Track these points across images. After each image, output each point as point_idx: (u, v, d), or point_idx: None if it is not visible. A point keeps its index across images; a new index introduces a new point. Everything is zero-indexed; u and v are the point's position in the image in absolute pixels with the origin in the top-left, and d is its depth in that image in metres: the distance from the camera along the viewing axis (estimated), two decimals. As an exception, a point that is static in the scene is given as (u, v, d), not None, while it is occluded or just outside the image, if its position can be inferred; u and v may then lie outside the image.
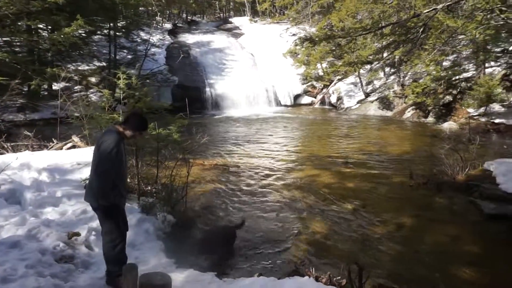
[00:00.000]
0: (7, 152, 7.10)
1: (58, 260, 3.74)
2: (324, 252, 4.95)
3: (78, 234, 4.17)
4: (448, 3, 5.50)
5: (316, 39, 6.89)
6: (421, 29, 6.55)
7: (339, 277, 3.84)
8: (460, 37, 13.71)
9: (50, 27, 14.48)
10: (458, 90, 14.67)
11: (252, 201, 6.81)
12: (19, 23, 11.81)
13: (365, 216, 6.08)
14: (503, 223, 5.66)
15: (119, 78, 5.75)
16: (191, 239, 5.13)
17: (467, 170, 7.35)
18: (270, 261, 4.68)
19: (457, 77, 14.65)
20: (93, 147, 6.96)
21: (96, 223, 4.39)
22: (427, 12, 5.93)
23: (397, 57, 16.53)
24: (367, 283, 3.72)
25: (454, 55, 15.24)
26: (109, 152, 3.07)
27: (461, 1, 6.64)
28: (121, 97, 5.75)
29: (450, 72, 14.20)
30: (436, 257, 4.84)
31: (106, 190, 3.16)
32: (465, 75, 14.75)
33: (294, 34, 23.26)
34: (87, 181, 3.44)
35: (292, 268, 4.06)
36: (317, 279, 3.69)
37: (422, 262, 4.73)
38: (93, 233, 4.23)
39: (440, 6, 5.55)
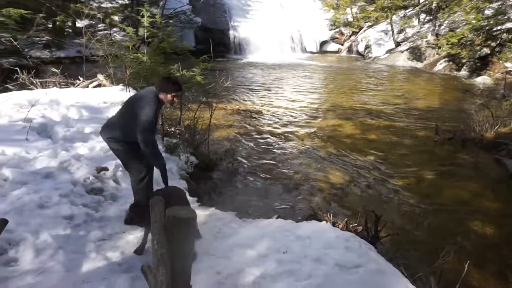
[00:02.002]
0: (36, 88, 7.28)
1: (89, 191, 3.96)
2: (342, 200, 5.05)
3: (106, 169, 4.36)
4: None
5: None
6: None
7: (355, 224, 3.94)
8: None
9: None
10: (498, 42, 13.70)
11: (273, 147, 6.88)
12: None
13: (385, 168, 6.07)
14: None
15: (143, 16, 5.63)
16: (213, 180, 5.31)
17: (496, 127, 7.09)
18: (288, 205, 4.82)
19: (499, 28, 13.58)
20: (118, 86, 7.06)
21: (123, 160, 4.58)
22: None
23: (434, 3, 15.35)
24: (382, 231, 3.81)
25: (499, 2, 14.00)
26: (149, 123, 3.14)
27: None
28: (145, 36, 5.66)
29: (492, 22, 13.13)
30: (454, 211, 4.86)
31: (157, 151, 3.27)
32: (508, 25, 13.64)
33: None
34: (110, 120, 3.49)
35: (310, 213, 4.18)
36: (333, 224, 3.80)
37: (439, 215, 4.76)
38: (120, 169, 4.40)
39: None
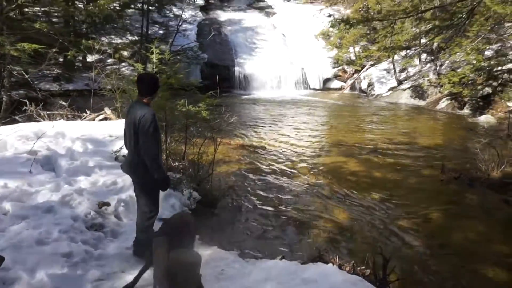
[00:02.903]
0: (44, 120, 7.37)
1: (89, 227, 3.88)
2: (348, 240, 4.91)
3: (108, 204, 4.29)
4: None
5: (353, 21, 6.59)
6: (468, 14, 6.15)
7: (363, 267, 3.80)
8: (507, 25, 12.88)
9: (86, -1, 14.69)
10: (499, 82, 13.89)
11: (277, 183, 6.80)
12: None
13: (391, 207, 5.95)
14: (539, 225, 5.41)
15: (152, 53, 5.77)
16: (215, 217, 5.20)
17: (503, 167, 7.01)
18: (293, 245, 4.69)
19: (499, 68, 13.83)
20: (123, 120, 7.14)
21: (125, 195, 4.53)
22: (476, -4, 5.55)
23: (435, 44, 15.74)
24: (391, 276, 3.66)
25: (498, 44, 14.35)
26: (152, 131, 3.14)
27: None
28: (153, 72, 5.78)
29: (493, 62, 13.39)
30: (463, 254, 4.70)
31: (159, 164, 3.27)
32: (509, 66, 13.90)
33: (330, 15, 22.52)
34: (126, 154, 3.51)
35: (315, 254, 4.04)
36: (340, 267, 3.66)
37: (448, 259, 4.60)
38: (122, 204, 4.35)
39: (491, -10, 5.16)
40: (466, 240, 5.10)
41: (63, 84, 14.97)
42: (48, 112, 7.72)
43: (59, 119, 7.39)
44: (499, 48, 14.22)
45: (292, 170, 7.50)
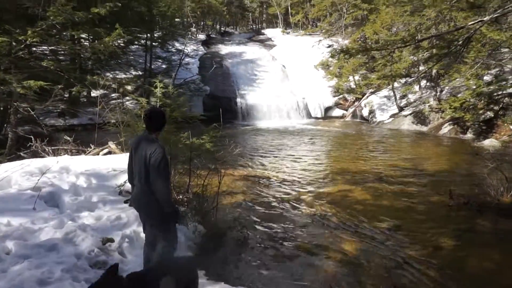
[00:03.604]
0: (48, 155, 7.40)
1: (93, 265, 3.78)
2: (358, 272, 4.74)
3: (112, 240, 4.21)
4: (496, 15, 5.23)
5: (352, 51, 6.73)
6: (464, 42, 6.27)
7: (376, 301, 3.65)
8: (504, 50, 13.11)
9: (91, 37, 15.19)
10: (501, 105, 13.97)
11: (283, 214, 6.69)
12: (64, 33, 12.44)
13: (400, 236, 5.80)
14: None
15: (156, 87, 5.87)
16: (221, 251, 5.08)
17: (512, 191, 6.90)
18: (302, 280, 4.53)
19: (500, 92, 13.95)
20: (127, 154, 7.18)
21: (129, 230, 4.46)
22: (472, 24, 5.68)
23: (434, 70, 16.01)
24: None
25: (497, 69, 14.56)
26: (163, 166, 3.17)
27: (508, 14, 6.30)
28: (158, 105, 5.85)
29: (493, 87, 13.53)
30: (478, 284, 4.52)
31: (169, 199, 3.30)
32: (509, 90, 14.02)
33: (329, 46, 23.09)
34: (130, 189, 3.49)
35: (326, 287, 3.90)
36: (352, 301, 3.51)
37: (464, 289, 4.42)
38: (126, 240, 4.26)
39: (487, 18, 5.29)
40: (480, 269, 4.92)
41: (68, 119, 15.20)
42: (52, 148, 7.76)
43: (64, 154, 7.43)
44: (498, 73, 14.42)
45: (297, 200, 7.40)
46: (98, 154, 7.64)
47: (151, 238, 3.49)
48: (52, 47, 11.48)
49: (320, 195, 7.73)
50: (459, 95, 14.66)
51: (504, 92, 13.93)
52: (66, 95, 15.08)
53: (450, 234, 5.91)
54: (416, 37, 12.56)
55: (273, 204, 7.19)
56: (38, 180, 5.21)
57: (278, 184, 8.50)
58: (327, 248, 5.37)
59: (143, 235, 4.35)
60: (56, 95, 9.03)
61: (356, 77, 20.47)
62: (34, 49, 11.39)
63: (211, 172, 6.21)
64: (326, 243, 5.54)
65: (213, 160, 6.33)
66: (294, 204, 7.18)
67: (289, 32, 32.09)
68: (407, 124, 16.71)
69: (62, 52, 14.53)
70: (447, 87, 16.50)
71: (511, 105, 13.32)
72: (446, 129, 15.07)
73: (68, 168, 6.02)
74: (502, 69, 14.53)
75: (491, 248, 5.48)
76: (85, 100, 16.70)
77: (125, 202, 3.68)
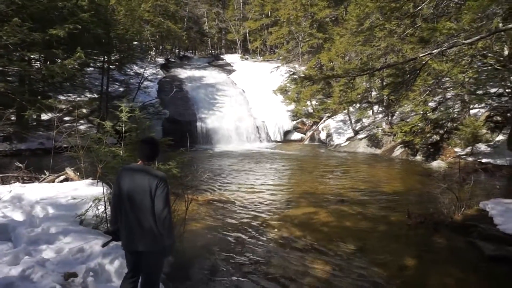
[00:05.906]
0: (-4, 184, 6.83)
1: (54, 303, 3.49)
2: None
3: (75, 275, 3.91)
4: (444, 49, 5.78)
5: (315, 77, 7.05)
6: (416, 72, 6.81)
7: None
8: (445, 79, 14.34)
9: (43, 57, 14.54)
10: (445, 130, 15.13)
11: (251, 240, 6.63)
12: (14, 53, 11.82)
13: (366, 257, 5.96)
14: (506, 265, 5.64)
15: (121, 111, 5.70)
16: (190, 281, 4.91)
17: (462, 209, 7.41)
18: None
19: (443, 117, 15.15)
20: (87, 180, 6.82)
21: (93, 263, 4.18)
22: (423, 56, 6.21)
23: (385, 96, 17.09)
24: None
25: (440, 96, 15.86)
26: (168, 199, 3.08)
27: (453, 47, 6.98)
28: (123, 130, 5.67)
29: (439, 113, 14.67)
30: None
31: (172, 231, 3.13)
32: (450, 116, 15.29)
33: (291, 72, 23.84)
34: (128, 227, 3.20)
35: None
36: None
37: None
38: (91, 273, 3.99)
39: (435, 50, 5.83)
40: (442, 286, 5.17)
41: (15, 143, 14.20)
42: (1, 175, 7.18)
43: (14, 182, 6.89)
44: (441, 99, 15.70)
45: (264, 224, 7.39)
46: (54, 182, 7.17)
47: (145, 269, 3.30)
48: (1, 68, 10.82)
49: (285, 218, 7.78)
50: (408, 120, 15.71)
51: (447, 117, 15.15)
52: (13, 118, 14.14)
53: (411, 253, 6.18)
54: (368, 66, 13.43)
55: (240, 229, 7.12)
56: (-12, 211, 4.78)
57: (243, 208, 8.45)
58: (296, 271, 5.38)
59: (108, 267, 4.13)
60: (7, 118, 8.44)
61: (314, 102, 21.29)
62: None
63: (175, 198, 6.05)
64: (295, 266, 5.55)
65: (179, 186, 6.19)
66: (261, 229, 7.16)
67: (247, 58, 32.86)
68: (362, 147, 17.52)
69: (10, 73, 13.74)
70: (397, 112, 17.63)
71: (454, 129, 14.47)
72: (398, 151, 15.98)
73: (21, 197, 5.59)
74: (444, 96, 15.85)
75: (450, 264, 5.79)
76: (34, 123, 15.74)
77: (104, 245, 3.43)
